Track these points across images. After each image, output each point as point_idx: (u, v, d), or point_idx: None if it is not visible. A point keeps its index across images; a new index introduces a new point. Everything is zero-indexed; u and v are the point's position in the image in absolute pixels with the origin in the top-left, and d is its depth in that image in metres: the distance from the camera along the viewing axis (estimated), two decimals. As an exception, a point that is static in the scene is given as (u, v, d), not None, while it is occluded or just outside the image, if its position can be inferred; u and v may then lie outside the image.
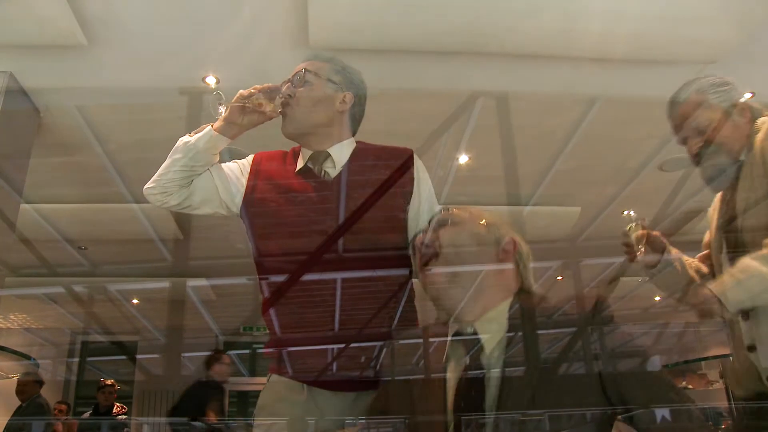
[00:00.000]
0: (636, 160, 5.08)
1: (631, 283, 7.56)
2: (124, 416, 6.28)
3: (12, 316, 8.51)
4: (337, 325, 1.77)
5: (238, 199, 1.88)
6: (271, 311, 1.82)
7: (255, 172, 1.90)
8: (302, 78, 1.87)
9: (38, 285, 6.96)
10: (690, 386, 8.05)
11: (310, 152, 1.88)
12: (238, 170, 1.91)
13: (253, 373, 9.89)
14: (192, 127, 3.79)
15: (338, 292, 1.79)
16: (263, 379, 1.86)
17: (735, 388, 1.93)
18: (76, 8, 3.26)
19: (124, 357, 9.38)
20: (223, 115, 1.82)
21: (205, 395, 5.11)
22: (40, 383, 5.99)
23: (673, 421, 1.25)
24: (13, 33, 3.36)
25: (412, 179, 1.89)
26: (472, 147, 4.79)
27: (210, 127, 1.82)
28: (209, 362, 5.38)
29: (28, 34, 3.37)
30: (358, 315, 1.79)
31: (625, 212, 2.01)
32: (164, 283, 6.72)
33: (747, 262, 1.64)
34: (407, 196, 1.87)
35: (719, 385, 7.67)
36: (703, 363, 8.61)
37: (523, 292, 1.49)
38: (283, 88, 1.85)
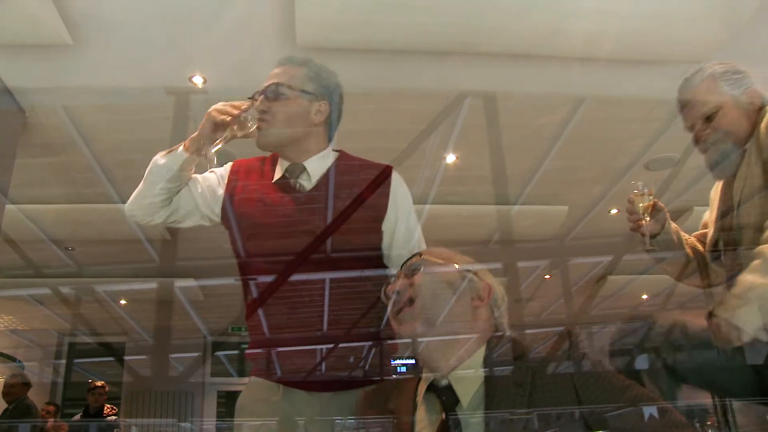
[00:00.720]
0: (623, 160, 5.11)
1: (619, 281, 7.61)
2: (114, 417, 6.25)
3: (-2, 318, 8.45)
4: (312, 328, 1.80)
5: (217, 210, 1.88)
6: (252, 315, 1.85)
7: (232, 182, 1.89)
8: (275, 91, 1.83)
9: (24, 286, 6.91)
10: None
11: (287, 163, 1.88)
12: (215, 181, 1.90)
13: (241, 373, 9.87)
14: (178, 127, 3.79)
15: (316, 297, 1.81)
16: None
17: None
18: (61, 7, 3.23)
19: (111, 358, 9.34)
20: (199, 132, 1.80)
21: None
22: (27, 385, 5.95)
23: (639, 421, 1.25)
24: (-3, 32, 3.33)
25: (387, 196, 1.86)
26: (459, 146, 4.79)
27: (182, 147, 1.79)
28: None
29: (13, 33, 3.34)
30: (331, 319, 1.80)
31: (633, 182, 2.00)
32: (152, 284, 6.68)
33: (747, 279, 1.62)
34: (380, 213, 1.85)
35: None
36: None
37: (498, 338, 1.46)
38: (257, 102, 1.83)
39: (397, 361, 1.98)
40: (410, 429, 1.42)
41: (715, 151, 1.89)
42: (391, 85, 3.78)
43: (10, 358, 8.46)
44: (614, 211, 5.90)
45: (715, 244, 1.95)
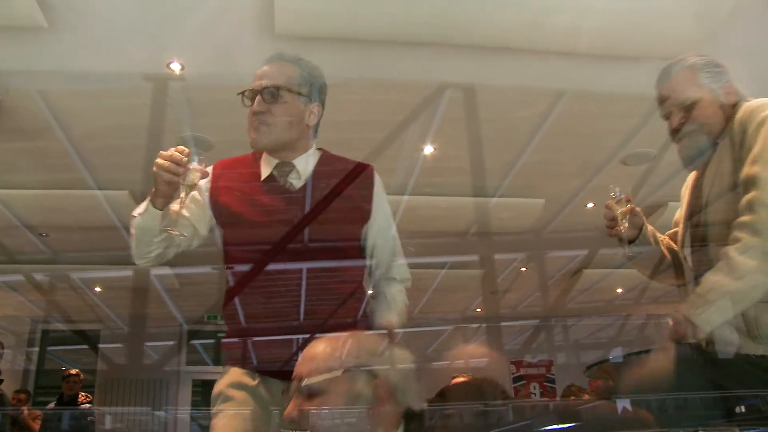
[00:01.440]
0: (600, 154, 5.15)
1: (594, 275, 7.69)
2: (88, 405, 6.22)
3: (-31, 304, 8.34)
4: (287, 320, 1.83)
5: (213, 223, 1.90)
6: (229, 306, 1.87)
7: (215, 191, 1.89)
8: (275, 94, 1.84)
9: (-3, 272, 6.85)
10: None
11: (275, 161, 1.90)
12: (201, 202, 1.89)
13: (217, 362, 9.84)
14: (156, 114, 3.76)
15: (300, 291, 1.84)
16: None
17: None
18: (35, -12, 3.19)
19: (86, 346, 9.27)
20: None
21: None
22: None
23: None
24: (-32, 13, 3.28)
25: (371, 199, 1.94)
26: (438, 138, 4.81)
27: (150, 205, 1.74)
28: None
29: (-15, 15, 3.28)
30: (309, 309, 1.85)
31: (610, 187, 2.02)
32: (127, 272, 6.64)
33: (712, 279, 1.66)
34: (365, 215, 1.93)
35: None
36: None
37: (411, 418, 1.39)
38: (255, 105, 1.83)
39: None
40: None
41: (689, 142, 1.90)
42: (371, 75, 3.78)
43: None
44: (591, 205, 5.95)
45: (684, 239, 1.98)
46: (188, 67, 3.74)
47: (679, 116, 1.91)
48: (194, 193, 1.82)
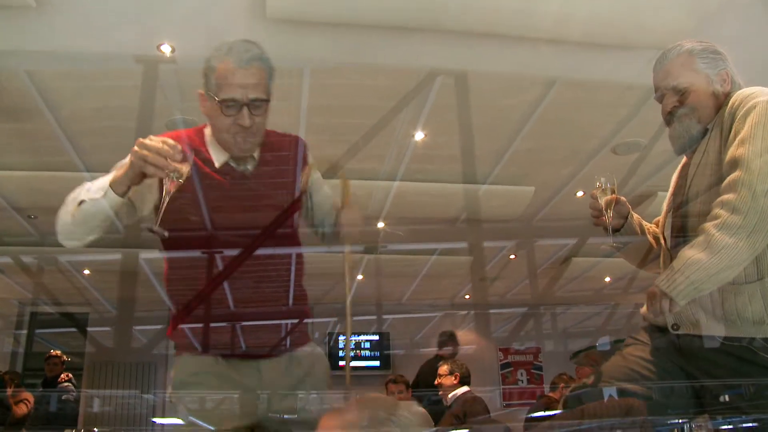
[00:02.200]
0: (591, 143, 5.16)
1: (583, 263, 7.73)
2: (67, 383, 6.23)
3: (-44, 286, 8.30)
4: (240, 303, 1.89)
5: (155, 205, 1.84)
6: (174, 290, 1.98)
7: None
8: (261, 107, 1.81)
9: (-16, 254, 6.81)
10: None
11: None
12: (147, 183, 1.81)
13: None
14: (146, 96, 3.72)
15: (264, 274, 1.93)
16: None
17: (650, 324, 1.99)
18: (24, -32, 3.15)
19: (74, 329, 9.24)
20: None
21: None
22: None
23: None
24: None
25: (308, 164, 2.00)
26: (429, 124, 4.80)
27: (111, 191, 1.70)
28: None
29: (-28, -6, 3.25)
30: (260, 293, 1.92)
31: (596, 176, 2.03)
32: (116, 255, 6.61)
33: (688, 254, 1.67)
34: (305, 184, 1.99)
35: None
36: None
37: None
38: (243, 119, 1.78)
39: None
40: None
41: (680, 127, 1.92)
42: (361, 60, 3.77)
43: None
44: (580, 193, 5.97)
45: (665, 223, 2.00)
46: (179, 50, 3.72)
47: (673, 100, 1.93)
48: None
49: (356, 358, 9.75)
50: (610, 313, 8.84)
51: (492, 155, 5.31)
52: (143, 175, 1.64)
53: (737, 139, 1.72)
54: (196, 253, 1.91)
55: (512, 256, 7.82)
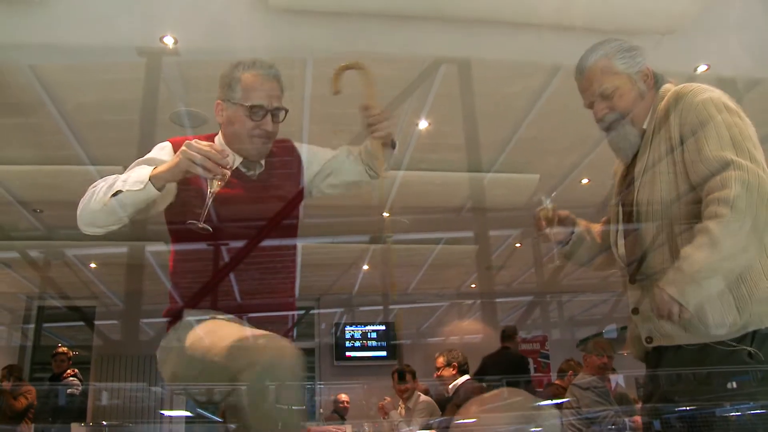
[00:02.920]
0: (595, 130, 5.10)
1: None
2: (72, 378, 6.27)
3: (-37, 281, 8.34)
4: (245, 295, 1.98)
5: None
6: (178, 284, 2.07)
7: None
8: (281, 116, 1.94)
9: (-9, 249, 6.83)
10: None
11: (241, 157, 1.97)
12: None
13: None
14: (149, 89, 3.71)
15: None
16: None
17: (632, 351, 2.00)
18: (26, -39, 3.15)
19: (81, 323, 9.28)
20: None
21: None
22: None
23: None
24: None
25: (301, 165, 2.10)
26: (433, 113, 4.79)
27: (150, 183, 1.73)
28: None
29: (-25, -12, 3.25)
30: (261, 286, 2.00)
31: (543, 197, 2.10)
32: (122, 248, 6.63)
33: (695, 257, 1.64)
34: (303, 183, 2.10)
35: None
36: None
37: None
38: (268, 125, 1.91)
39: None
40: None
41: (617, 133, 1.92)
42: (364, 49, 3.75)
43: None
44: (585, 181, 5.95)
45: (618, 243, 1.98)
46: (181, 41, 3.71)
47: (602, 106, 1.92)
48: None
49: (363, 348, 9.78)
50: (617, 301, 8.82)
51: (496, 143, 5.30)
52: (184, 174, 1.71)
53: (705, 139, 1.71)
54: (202, 245, 1.97)
55: (518, 245, 7.81)
